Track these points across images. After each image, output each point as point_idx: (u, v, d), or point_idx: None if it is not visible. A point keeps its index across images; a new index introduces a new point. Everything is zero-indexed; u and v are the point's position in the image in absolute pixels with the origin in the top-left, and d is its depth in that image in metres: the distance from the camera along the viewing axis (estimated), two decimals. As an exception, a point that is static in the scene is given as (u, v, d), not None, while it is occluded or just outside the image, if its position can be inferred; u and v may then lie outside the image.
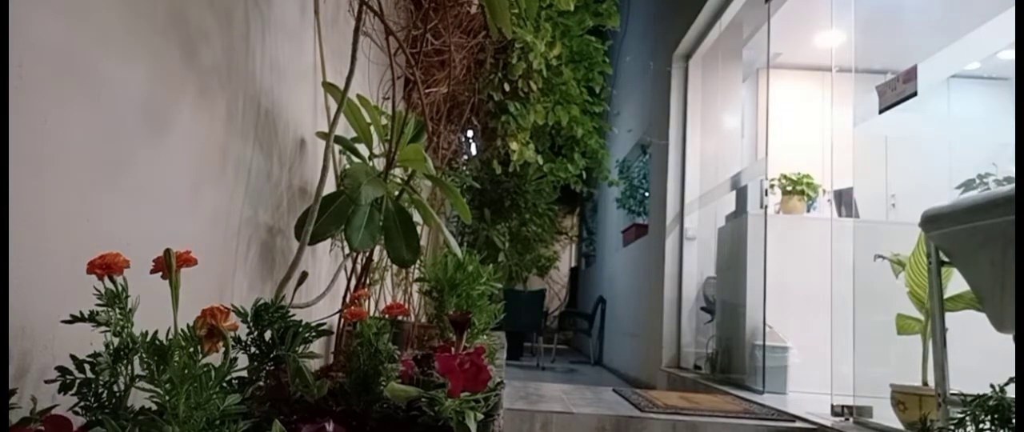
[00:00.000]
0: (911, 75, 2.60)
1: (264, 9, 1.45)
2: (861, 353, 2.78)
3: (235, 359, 0.75)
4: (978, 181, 3.26)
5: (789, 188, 4.43)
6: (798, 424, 2.60)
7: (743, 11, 4.53)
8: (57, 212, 0.80)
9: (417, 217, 1.78)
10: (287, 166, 1.65)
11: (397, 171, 1.74)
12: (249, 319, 0.93)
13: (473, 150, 4.66)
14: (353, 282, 1.84)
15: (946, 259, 1.99)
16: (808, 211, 4.48)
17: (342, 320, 1.69)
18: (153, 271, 0.75)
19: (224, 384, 0.68)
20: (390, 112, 1.81)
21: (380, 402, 1.04)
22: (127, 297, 0.71)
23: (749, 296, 3.89)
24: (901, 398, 2.39)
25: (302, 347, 0.94)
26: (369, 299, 2.33)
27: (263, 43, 1.45)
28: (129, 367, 0.71)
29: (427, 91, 2.90)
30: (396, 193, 1.69)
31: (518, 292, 7.93)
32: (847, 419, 2.66)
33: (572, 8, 4.13)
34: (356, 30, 1.59)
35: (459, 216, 2.57)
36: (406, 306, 2.23)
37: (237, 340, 0.90)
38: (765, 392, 3.56)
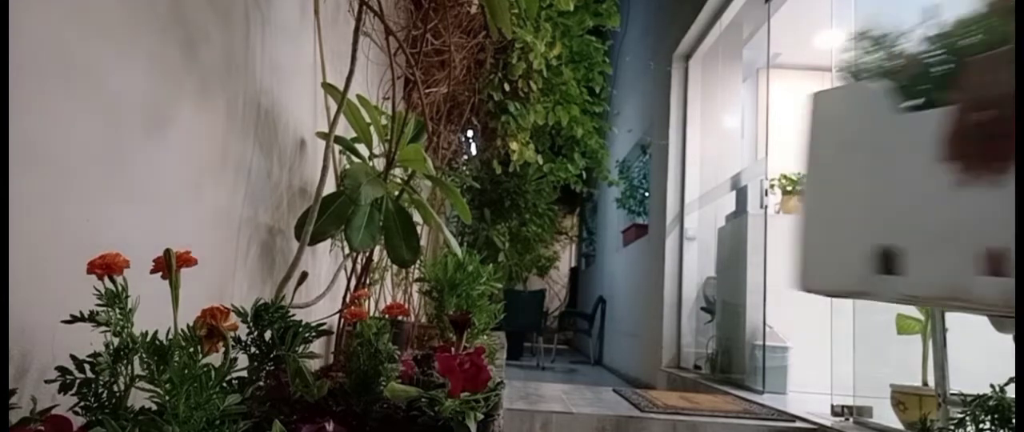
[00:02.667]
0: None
1: (264, 9, 1.45)
2: (861, 353, 2.78)
3: (235, 359, 0.75)
4: (978, 181, 3.25)
5: (789, 188, 4.42)
6: (798, 424, 2.60)
7: (743, 11, 4.53)
8: (57, 212, 0.80)
9: (417, 217, 1.78)
10: (287, 166, 1.65)
11: (397, 171, 1.74)
12: (249, 319, 0.93)
13: (473, 150, 4.66)
14: (353, 282, 1.84)
15: (946, 259, 1.98)
16: (808, 211, 4.47)
17: (342, 320, 1.68)
18: (153, 271, 0.75)
19: (224, 384, 0.68)
20: (390, 112, 1.81)
21: (380, 402, 1.04)
22: (127, 297, 0.71)
23: (749, 296, 3.89)
24: (901, 398, 2.39)
25: (302, 347, 0.94)
26: (369, 299, 2.33)
27: (263, 43, 1.45)
28: (129, 367, 0.71)
29: (427, 91, 2.90)
30: (396, 193, 1.69)
31: (518, 292, 7.93)
32: (847, 419, 2.66)
33: (572, 8, 4.13)
34: (356, 30, 1.59)
35: (459, 216, 2.57)
36: (406, 306, 2.23)
37: (237, 340, 0.90)
38: (765, 392, 3.56)
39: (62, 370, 0.69)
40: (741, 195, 4.37)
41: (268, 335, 0.93)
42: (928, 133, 0.66)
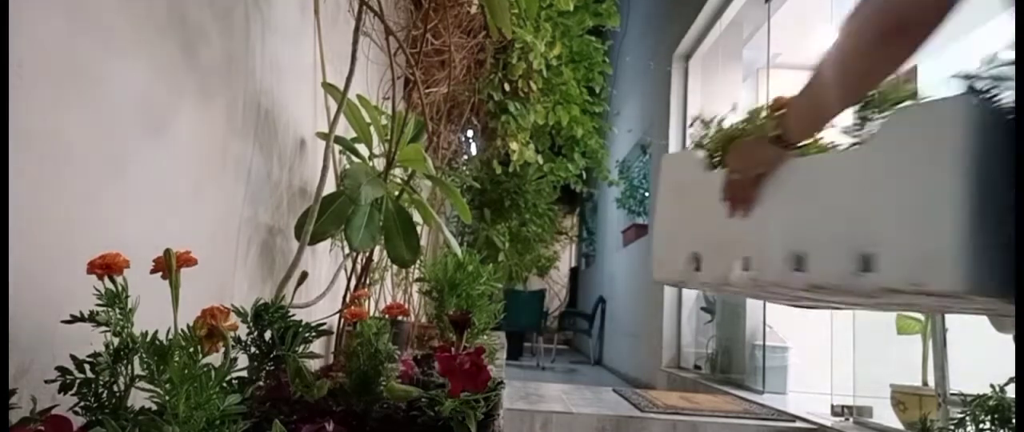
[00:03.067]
0: (911, 75, 2.60)
1: (264, 9, 1.45)
2: (861, 353, 2.78)
3: (235, 359, 0.75)
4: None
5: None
6: (798, 424, 2.60)
7: (743, 11, 4.53)
8: (57, 212, 0.80)
9: (417, 217, 1.78)
10: (287, 166, 1.65)
11: (397, 171, 1.74)
12: (249, 319, 0.93)
13: (473, 150, 4.66)
14: (353, 282, 1.84)
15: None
16: (808, 211, 4.47)
17: (342, 320, 1.68)
18: (153, 271, 0.75)
19: (224, 384, 0.68)
20: (390, 112, 1.81)
21: (380, 402, 1.04)
22: (127, 297, 0.71)
23: (749, 296, 3.89)
24: (901, 398, 2.39)
25: (302, 347, 0.94)
26: (369, 299, 2.33)
27: (263, 43, 1.45)
28: (129, 367, 0.71)
29: (427, 91, 2.90)
30: (396, 193, 1.69)
31: (518, 292, 7.92)
32: (847, 419, 2.66)
33: (572, 8, 4.13)
34: (356, 30, 1.59)
35: (459, 216, 2.57)
36: (406, 306, 2.23)
37: (237, 340, 0.90)
38: (765, 392, 3.56)
39: (62, 370, 0.69)
40: None
41: (268, 335, 0.93)
42: (717, 184, 1.09)
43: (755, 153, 1.03)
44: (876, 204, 0.89)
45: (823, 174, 0.96)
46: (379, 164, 1.72)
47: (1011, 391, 1.43)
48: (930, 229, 0.83)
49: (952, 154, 0.83)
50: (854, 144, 0.99)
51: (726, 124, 1.18)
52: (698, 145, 1.20)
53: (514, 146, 4.12)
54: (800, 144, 0.99)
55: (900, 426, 2.42)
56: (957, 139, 0.83)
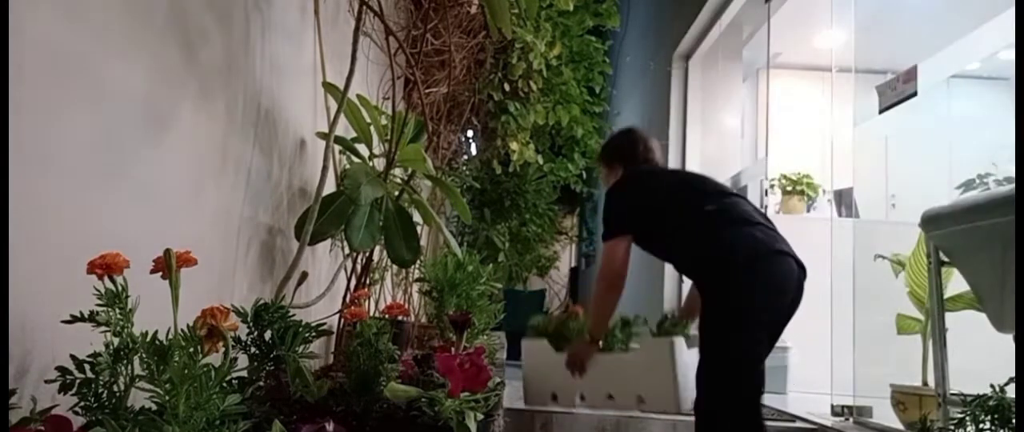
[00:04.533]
0: (911, 75, 2.60)
1: (264, 9, 1.45)
2: (861, 353, 2.78)
3: (235, 359, 0.75)
4: (978, 181, 3.25)
5: (789, 188, 4.42)
6: (798, 424, 2.60)
7: (743, 11, 4.52)
8: (57, 212, 0.80)
9: (417, 217, 1.78)
10: (287, 166, 1.65)
11: (397, 171, 1.74)
12: (249, 319, 0.93)
13: (473, 150, 4.66)
14: (353, 282, 1.84)
15: (946, 259, 1.99)
16: (808, 211, 4.47)
17: (342, 320, 1.68)
18: (153, 271, 0.75)
19: (224, 384, 0.68)
20: (390, 112, 1.81)
21: (380, 402, 1.04)
22: (127, 297, 0.71)
23: (749, 296, 3.89)
24: (901, 398, 2.39)
25: (302, 347, 0.94)
26: (369, 299, 2.33)
27: (263, 43, 1.45)
28: (129, 367, 0.71)
29: (427, 91, 2.90)
30: (396, 193, 1.69)
31: (518, 292, 7.91)
32: (847, 419, 2.66)
33: (572, 8, 4.13)
34: (356, 30, 1.59)
35: (459, 216, 2.57)
36: (406, 306, 2.23)
37: (237, 340, 0.90)
38: (765, 392, 3.55)
39: (62, 370, 0.69)
40: (741, 195, 4.36)
41: (268, 335, 0.93)
42: (560, 357, 2.23)
43: (582, 349, 2.11)
44: (641, 378, 2.12)
45: (615, 364, 2.14)
46: (379, 164, 1.72)
47: (1011, 391, 1.42)
48: (661, 390, 2.09)
49: (667, 360, 2.09)
50: (630, 350, 2.16)
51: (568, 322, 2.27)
52: (543, 336, 2.29)
53: (514, 146, 4.12)
54: (599, 340, 2.09)
55: (900, 426, 2.42)
56: (668, 354, 2.09)
